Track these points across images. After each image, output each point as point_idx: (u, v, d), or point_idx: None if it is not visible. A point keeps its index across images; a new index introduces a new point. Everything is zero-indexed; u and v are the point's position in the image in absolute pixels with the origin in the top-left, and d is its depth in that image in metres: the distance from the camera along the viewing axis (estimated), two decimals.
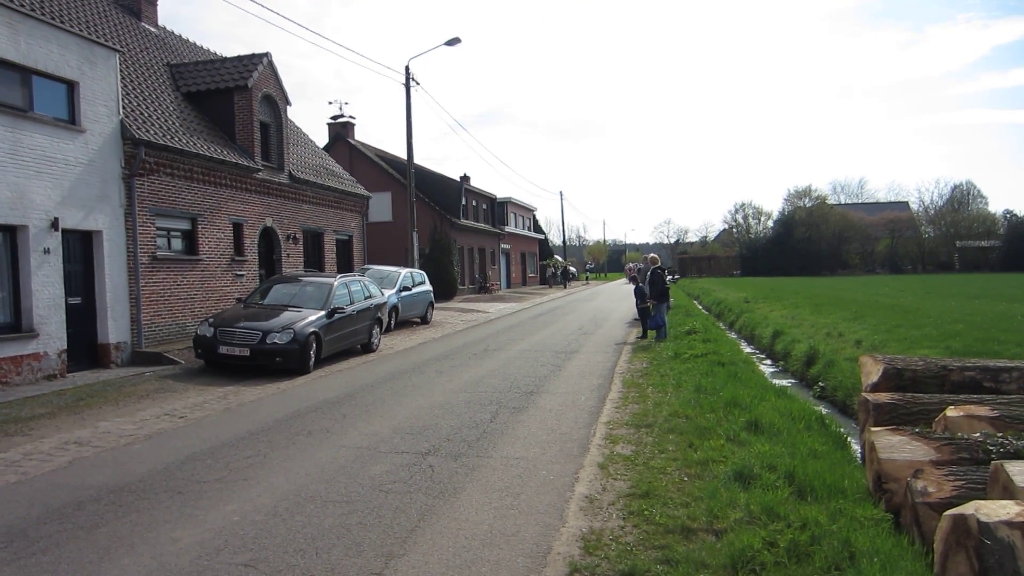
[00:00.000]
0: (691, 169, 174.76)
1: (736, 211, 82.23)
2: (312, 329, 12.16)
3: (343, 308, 13.52)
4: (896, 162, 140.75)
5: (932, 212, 74.04)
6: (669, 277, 16.73)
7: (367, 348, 14.88)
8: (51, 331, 12.05)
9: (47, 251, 12.02)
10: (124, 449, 7.30)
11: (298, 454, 6.75)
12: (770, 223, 78.69)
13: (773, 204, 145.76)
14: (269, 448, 6.97)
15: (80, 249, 13.08)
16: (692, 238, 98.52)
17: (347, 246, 23.96)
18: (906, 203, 78.24)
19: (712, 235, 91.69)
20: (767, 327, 17.79)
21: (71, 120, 12.72)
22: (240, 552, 4.43)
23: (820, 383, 11.23)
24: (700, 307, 29.80)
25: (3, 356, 11.19)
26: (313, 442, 7.22)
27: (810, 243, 68.81)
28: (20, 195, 11.53)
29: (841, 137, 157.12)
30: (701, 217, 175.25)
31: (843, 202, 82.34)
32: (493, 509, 5.10)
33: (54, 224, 12.09)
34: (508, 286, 47.21)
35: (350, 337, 14.01)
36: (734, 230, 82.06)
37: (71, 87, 12.72)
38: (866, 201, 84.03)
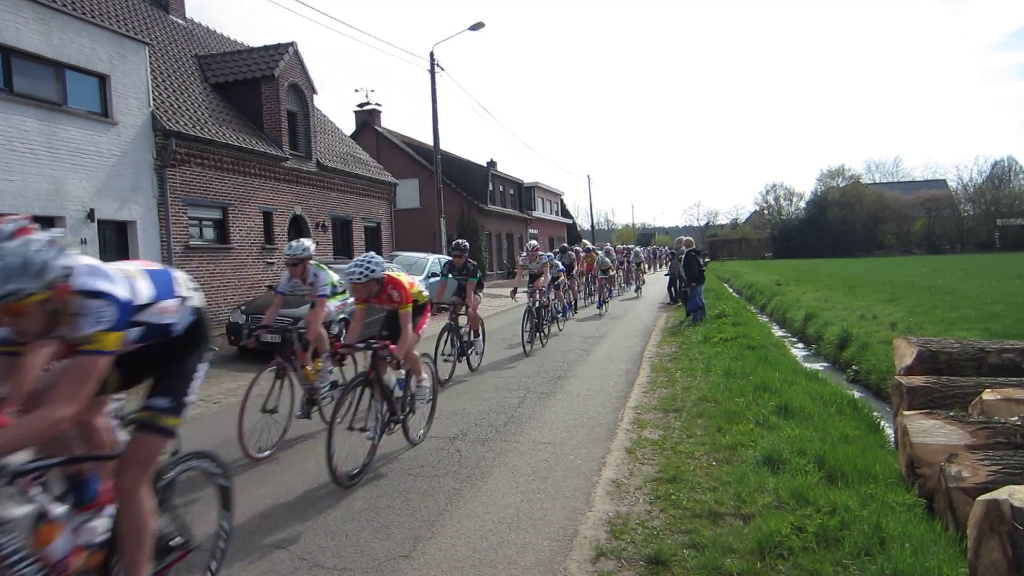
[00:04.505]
0: (721, 150, 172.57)
1: (767, 192, 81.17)
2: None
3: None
4: (933, 139, 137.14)
5: (971, 190, 72.03)
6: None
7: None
8: None
9: (84, 241, 12.29)
10: None
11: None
12: (802, 204, 77.51)
13: (805, 185, 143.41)
14: (300, 433, 7.07)
15: (116, 239, 13.36)
16: (722, 220, 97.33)
17: (375, 233, 24.12)
18: (944, 181, 76.23)
19: (743, 217, 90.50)
20: (799, 310, 17.55)
21: (104, 113, 12.95)
22: (272, 533, 4.52)
23: (853, 366, 11.06)
24: (730, 290, 29.49)
25: None
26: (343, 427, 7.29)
27: (844, 224, 67.55)
28: (57, 187, 11.79)
29: (875, 114, 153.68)
30: (731, 199, 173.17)
31: (878, 181, 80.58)
32: (520, 493, 5.12)
33: (90, 215, 12.36)
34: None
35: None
36: (765, 211, 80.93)
37: (103, 80, 12.94)
38: (902, 180, 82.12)
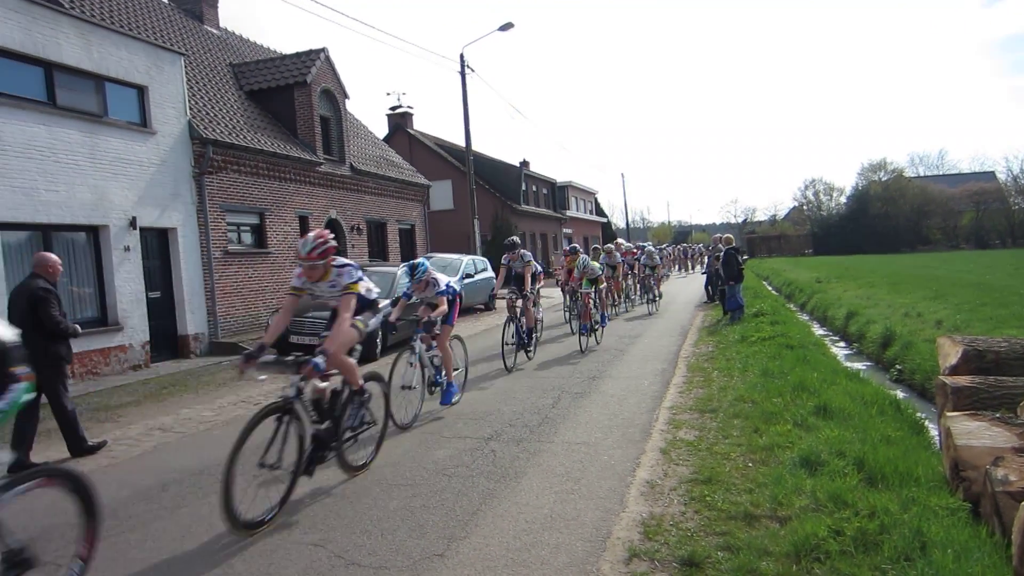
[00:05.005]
0: (758, 146, 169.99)
1: (806, 187, 79.50)
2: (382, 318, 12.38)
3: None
4: (980, 130, 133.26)
5: (1022, 181, 69.82)
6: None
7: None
8: (134, 324, 12.65)
9: (127, 249, 12.60)
10: (204, 434, 7.65)
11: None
12: (843, 199, 75.84)
13: (846, 179, 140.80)
14: None
15: (157, 246, 13.67)
16: (760, 217, 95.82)
17: (410, 235, 24.30)
18: (992, 173, 73.88)
19: (781, 213, 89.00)
20: (840, 308, 17.24)
21: (143, 123, 13.27)
22: (310, 532, 4.59)
23: (897, 366, 10.82)
24: (769, 288, 29.07)
25: (92, 348, 11.80)
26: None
27: (887, 219, 65.93)
28: (100, 196, 12.11)
29: (918, 106, 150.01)
30: (769, 195, 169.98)
31: (922, 174, 78.61)
32: (554, 493, 5.12)
33: (132, 223, 12.67)
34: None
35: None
36: (804, 207, 79.49)
37: (141, 91, 13.26)
38: (947, 172, 79.94)
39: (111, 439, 7.51)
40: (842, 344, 14.67)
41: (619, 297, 18.75)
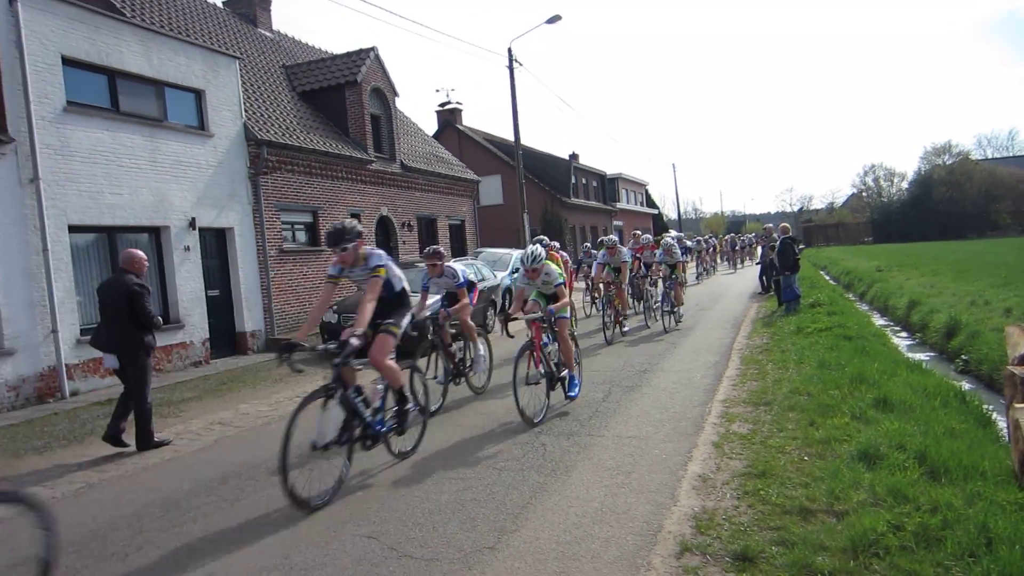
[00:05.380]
0: (814, 132, 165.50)
1: (866, 173, 77.22)
2: (428, 313, 12.51)
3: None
4: None
5: None
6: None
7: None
8: (195, 322, 13.05)
9: (187, 249, 13.00)
10: (262, 429, 7.86)
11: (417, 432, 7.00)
12: (905, 184, 73.42)
13: (907, 164, 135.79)
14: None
15: (215, 245, 14.06)
16: (817, 205, 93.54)
17: (460, 230, 24.45)
18: None
19: (839, 201, 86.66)
20: (902, 297, 16.73)
21: (200, 126, 13.65)
22: (363, 524, 4.67)
23: (962, 356, 10.47)
24: (827, 278, 28.37)
25: (156, 346, 12.19)
26: (432, 421, 7.44)
27: (952, 204, 63.45)
28: (161, 198, 12.52)
29: (984, 86, 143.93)
30: (826, 182, 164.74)
31: (990, 157, 75.55)
32: (604, 487, 5.10)
33: (192, 223, 13.06)
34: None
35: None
36: (864, 194, 77.22)
37: (198, 95, 13.64)
38: (1018, 154, 76.65)
39: (174, 433, 7.79)
40: (904, 334, 14.24)
41: (622, 310, 13.32)
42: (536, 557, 4.03)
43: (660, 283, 14.54)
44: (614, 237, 14.51)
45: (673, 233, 20.41)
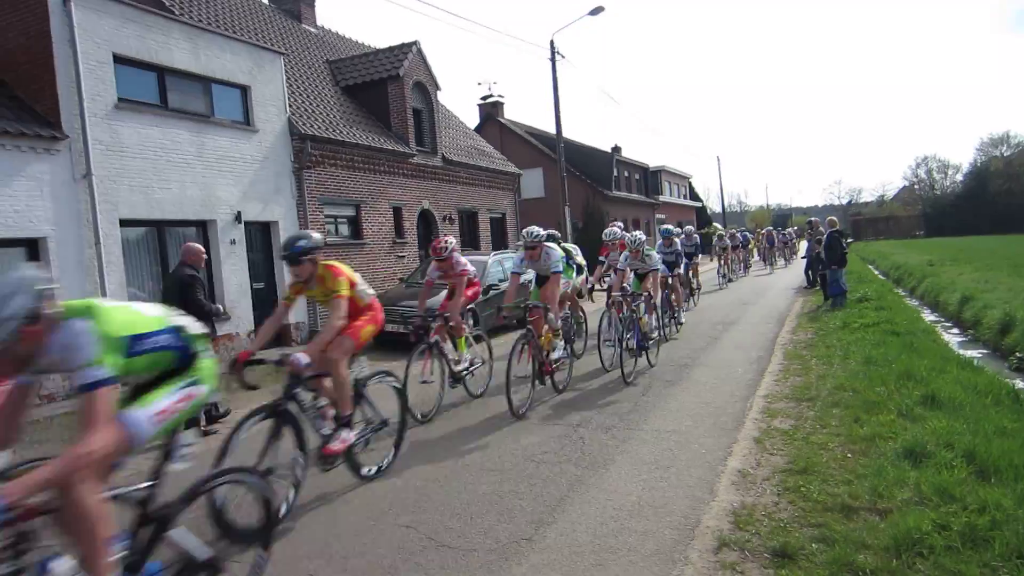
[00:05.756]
0: (864, 123, 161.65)
1: (918, 165, 75.44)
2: (470, 306, 12.57)
3: (498, 285, 13.83)
4: None
5: None
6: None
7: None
8: (241, 314, 13.33)
9: (233, 242, 13.27)
10: None
11: (456, 425, 7.06)
12: (959, 177, 71.33)
13: (962, 156, 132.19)
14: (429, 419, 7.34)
15: (260, 239, 14.32)
16: (867, 198, 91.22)
17: (501, 224, 24.47)
18: None
19: (890, 194, 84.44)
20: (954, 292, 16.26)
21: (246, 121, 13.90)
22: (403, 514, 4.73)
23: (1017, 353, 10.15)
24: (876, 272, 27.72)
25: (217, 335, 12.53)
26: (470, 414, 7.51)
27: (1009, 196, 61.29)
28: (208, 193, 12.80)
29: None
30: (877, 175, 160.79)
31: None
32: (642, 481, 5.08)
33: (237, 217, 13.32)
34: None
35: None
36: (916, 187, 75.21)
37: (244, 91, 13.88)
38: None
39: (220, 426, 7.97)
40: (955, 331, 13.85)
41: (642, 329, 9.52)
42: (573, 549, 4.04)
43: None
44: (614, 228, 12.11)
45: (667, 227, 14.38)
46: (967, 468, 4.52)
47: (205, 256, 7.90)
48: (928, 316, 15.46)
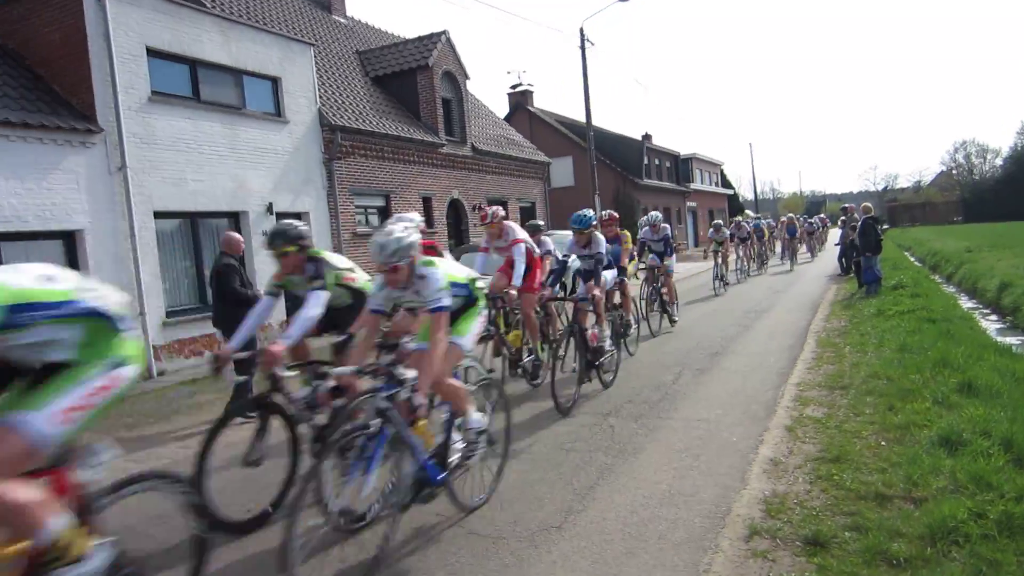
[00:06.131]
0: (900, 108, 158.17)
1: (956, 150, 73.65)
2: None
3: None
4: None
5: None
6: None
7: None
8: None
9: (265, 233, 13.41)
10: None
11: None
12: (999, 161, 69.52)
13: (1002, 140, 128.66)
14: None
15: None
16: (903, 184, 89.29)
17: (530, 213, 24.45)
18: None
19: (927, 179, 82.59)
20: (992, 278, 15.88)
21: (277, 113, 14.04)
22: (433, 502, 4.74)
23: None
24: (911, 259, 27.19)
25: None
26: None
27: None
28: (240, 184, 12.96)
29: None
30: (913, 160, 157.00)
31: None
32: (672, 470, 5.06)
33: (269, 208, 13.48)
34: (695, 245, 45.76)
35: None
36: (954, 172, 73.49)
37: (275, 83, 14.02)
38: None
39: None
40: (993, 317, 13.55)
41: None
42: (602, 537, 4.04)
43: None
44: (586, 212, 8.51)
45: (650, 216, 12.33)
46: (1004, 456, 4.42)
47: (243, 245, 8.17)
48: (965, 303, 15.15)
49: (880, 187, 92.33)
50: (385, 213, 17.10)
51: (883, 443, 5.11)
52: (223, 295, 7.70)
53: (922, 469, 4.37)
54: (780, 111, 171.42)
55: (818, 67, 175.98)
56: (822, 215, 41.37)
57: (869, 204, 15.71)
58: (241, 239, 8.14)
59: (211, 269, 8.16)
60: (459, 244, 19.35)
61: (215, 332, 8.75)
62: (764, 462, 5.04)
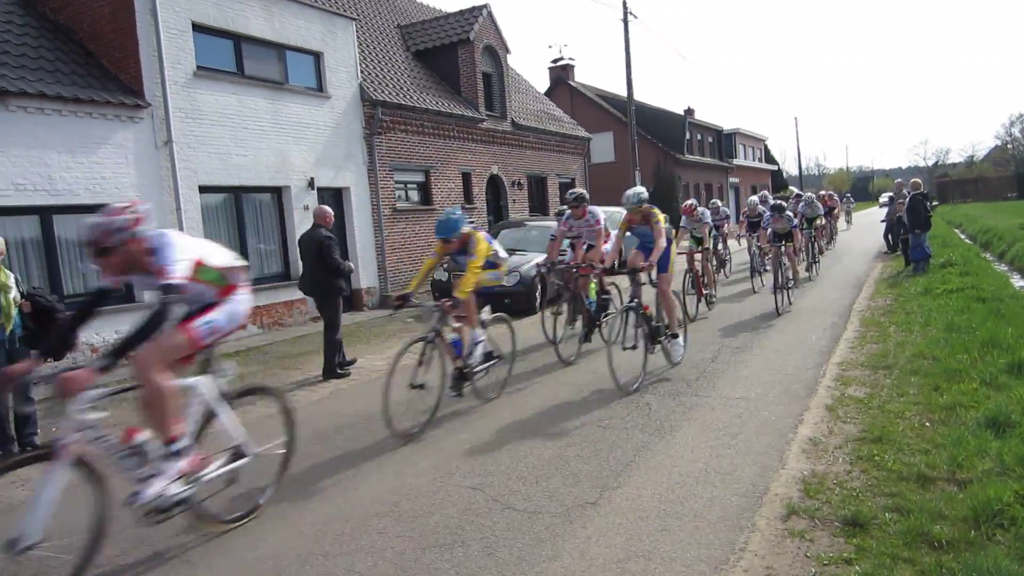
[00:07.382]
0: (952, 80, 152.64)
1: (1012, 124, 70.70)
2: (537, 271, 12.61)
3: (565, 251, 13.76)
4: None
5: None
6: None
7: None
8: None
9: (306, 208, 13.57)
10: (376, 382, 8.13)
11: (524, 389, 7.14)
12: None
13: None
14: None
15: (332, 205, 14.56)
16: (955, 159, 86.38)
17: (570, 188, 24.27)
18: None
19: (980, 154, 79.71)
20: None
21: (319, 88, 14.13)
22: (469, 476, 4.82)
23: None
24: (961, 236, 26.39)
25: (278, 301, 12.95)
26: (538, 378, 7.57)
27: None
28: (283, 159, 13.12)
29: None
30: (966, 135, 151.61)
31: None
32: (709, 448, 5.04)
33: (310, 183, 13.63)
34: (738, 221, 45.04)
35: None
36: (1009, 146, 70.76)
37: (317, 58, 14.09)
38: None
39: (294, 384, 8.26)
40: None
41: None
42: (637, 514, 4.06)
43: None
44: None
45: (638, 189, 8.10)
46: None
47: (333, 217, 8.65)
48: (1018, 282, 14.65)
49: (931, 162, 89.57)
50: (425, 188, 17.16)
51: (927, 424, 5.02)
52: (326, 265, 8.14)
53: (967, 451, 4.29)
54: (827, 84, 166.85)
55: (867, 38, 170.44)
56: (826, 193, 28.20)
57: (918, 180, 15.25)
58: (331, 212, 8.61)
59: (303, 240, 8.61)
60: (497, 220, 19.34)
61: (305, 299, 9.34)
62: (803, 442, 5.00)
